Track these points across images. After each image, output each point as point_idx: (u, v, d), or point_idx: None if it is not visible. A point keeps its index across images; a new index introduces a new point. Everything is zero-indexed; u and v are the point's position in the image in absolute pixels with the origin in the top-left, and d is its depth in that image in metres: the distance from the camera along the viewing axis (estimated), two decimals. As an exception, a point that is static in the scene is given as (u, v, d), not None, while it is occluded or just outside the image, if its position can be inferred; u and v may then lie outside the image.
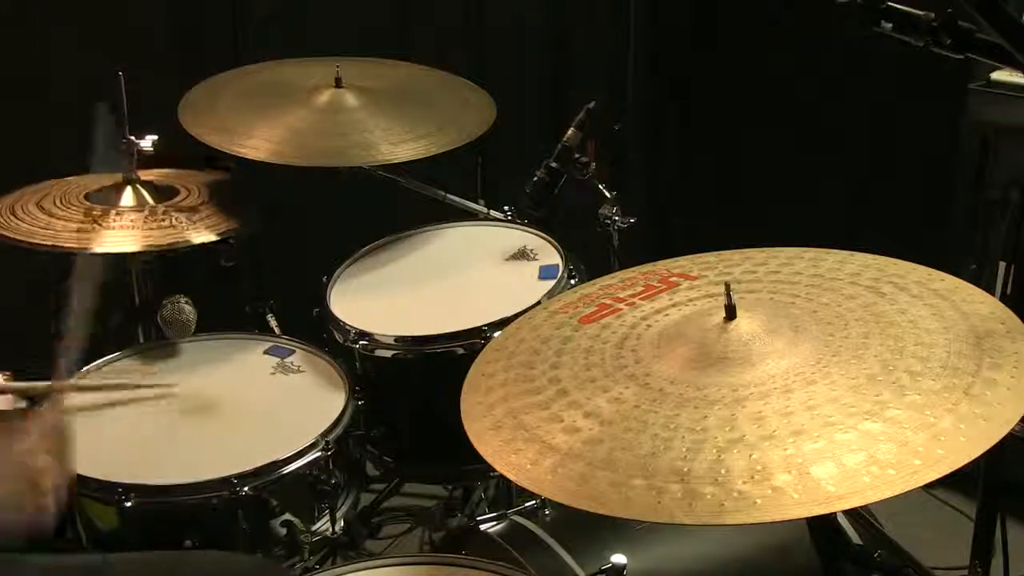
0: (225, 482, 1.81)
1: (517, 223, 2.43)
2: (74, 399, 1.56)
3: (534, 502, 1.76)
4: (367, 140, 2.27)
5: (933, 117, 2.87)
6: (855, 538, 1.65)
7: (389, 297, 2.25)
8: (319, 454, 1.90)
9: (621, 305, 1.54)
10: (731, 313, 1.38)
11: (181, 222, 2.18)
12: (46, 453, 1.40)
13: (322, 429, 1.93)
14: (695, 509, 1.14)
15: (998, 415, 1.19)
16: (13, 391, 1.57)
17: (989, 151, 2.65)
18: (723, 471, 1.17)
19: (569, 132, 2.27)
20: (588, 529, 1.67)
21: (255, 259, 2.59)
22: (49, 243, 2.09)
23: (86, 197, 2.25)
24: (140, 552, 1.71)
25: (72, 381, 1.57)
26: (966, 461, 1.14)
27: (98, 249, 2.08)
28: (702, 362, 1.34)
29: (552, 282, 2.17)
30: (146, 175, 2.32)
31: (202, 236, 2.16)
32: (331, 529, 1.96)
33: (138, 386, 1.87)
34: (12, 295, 2.59)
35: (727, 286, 1.38)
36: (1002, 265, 2.57)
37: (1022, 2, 2.49)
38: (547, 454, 1.27)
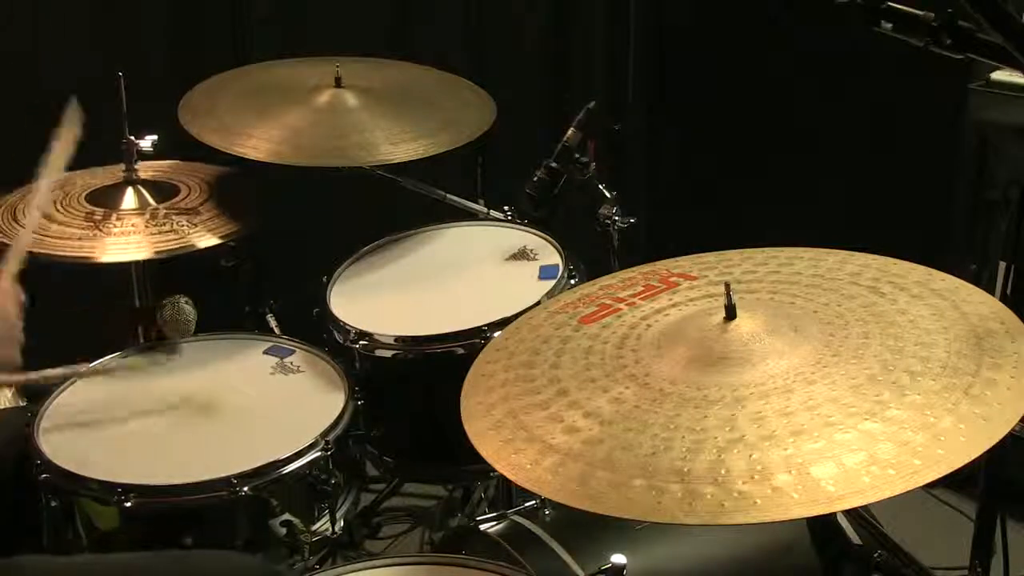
0: (225, 482, 1.80)
1: (517, 223, 2.43)
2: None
3: (534, 502, 1.76)
4: (367, 140, 2.27)
5: (933, 117, 2.87)
6: (855, 538, 1.65)
7: (389, 297, 2.25)
8: (319, 454, 1.90)
9: (621, 305, 1.54)
10: (731, 313, 1.38)
11: (183, 226, 2.18)
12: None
13: (322, 429, 1.93)
14: (695, 509, 1.14)
15: (998, 415, 1.19)
16: None
17: (989, 151, 2.65)
18: (723, 471, 1.17)
19: (569, 132, 2.27)
20: (588, 529, 1.67)
21: (255, 259, 2.58)
22: (52, 252, 2.10)
23: (87, 199, 2.25)
24: (140, 552, 1.71)
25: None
26: (966, 461, 1.14)
27: (102, 259, 2.09)
28: (702, 362, 1.35)
29: (552, 282, 2.17)
30: (146, 172, 2.32)
31: (205, 241, 2.17)
32: (331, 529, 1.96)
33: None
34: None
35: (727, 286, 1.38)
36: (1002, 265, 2.56)
37: (1022, 2, 2.49)
38: (547, 454, 1.27)
